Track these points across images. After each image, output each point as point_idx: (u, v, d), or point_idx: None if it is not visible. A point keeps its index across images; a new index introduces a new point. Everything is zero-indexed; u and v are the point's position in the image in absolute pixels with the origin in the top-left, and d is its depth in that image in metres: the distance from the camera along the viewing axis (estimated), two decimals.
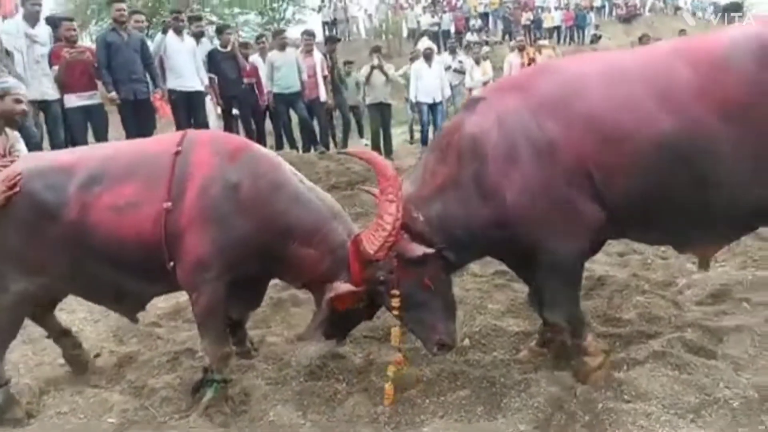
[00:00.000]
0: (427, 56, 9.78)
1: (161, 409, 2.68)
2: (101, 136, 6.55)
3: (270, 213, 2.66)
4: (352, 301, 2.56)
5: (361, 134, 10.53)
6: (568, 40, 22.93)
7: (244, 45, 8.90)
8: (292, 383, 2.86)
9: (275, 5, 24.49)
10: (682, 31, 11.72)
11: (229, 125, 7.88)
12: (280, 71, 8.30)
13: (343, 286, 2.52)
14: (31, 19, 6.06)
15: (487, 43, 18.03)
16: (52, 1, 18.34)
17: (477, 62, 10.71)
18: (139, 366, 3.14)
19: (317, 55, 8.91)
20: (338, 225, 2.76)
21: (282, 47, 8.59)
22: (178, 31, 7.15)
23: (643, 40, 11.00)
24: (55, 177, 2.74)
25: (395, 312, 2.51)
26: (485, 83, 10.53)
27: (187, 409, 2.67)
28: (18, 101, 3.36)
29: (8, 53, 5.62)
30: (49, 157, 3.05)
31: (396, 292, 2.46)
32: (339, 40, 11.44)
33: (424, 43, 10.55)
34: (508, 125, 2.41)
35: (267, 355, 3.19)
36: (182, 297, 3.97)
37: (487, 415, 2.56)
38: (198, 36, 7.45)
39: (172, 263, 2.63)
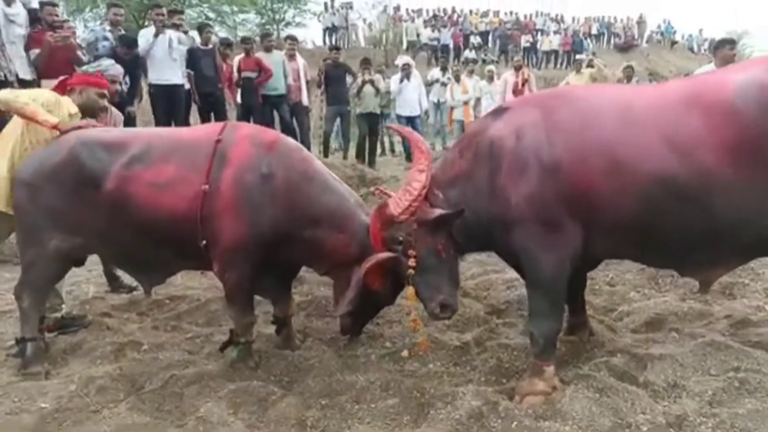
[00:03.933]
0: (406, 72, 9.98)
1: (96, 397, 2.75)
2: None
3: (302, 202, 2.95)
4: (382, 275, 2.87)
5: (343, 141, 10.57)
6: (564, 64, 23.18)
7: (228, 44, 8.92)
8: (230, 382, 2.94)
9: (275, 6, 24.53)
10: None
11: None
12: None
13: (376, 255, 2.78)
14: None
15: (484, 61, 18.25)
16: None
17: (457, 80, 10.90)
18: (83, 354, 3.21)
19: (300, 60, 9.06)
20: (362, 213, 3.05)
21: (268, 49, 8.71)
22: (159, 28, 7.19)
23: (627, 71, 11.24)
24: (102, 151, 3.01)
25: (410, 271, 2.78)
26: (466, 102, 10.72)
27: (122, 399, 2.74)
28: (112, 81, 3.87)
29: None
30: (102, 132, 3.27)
31: (413, 252, 2.76)
32: (340, 48, 11.58)
33: (403, 58, 10.74)
34: (523, 137, 2.66)
35: (211, 353, 3.27)
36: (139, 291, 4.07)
37: (412, 424, 2.64)
38: (176, 27, 7.43)
39: (204, 242, 2.90)
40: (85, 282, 4.41)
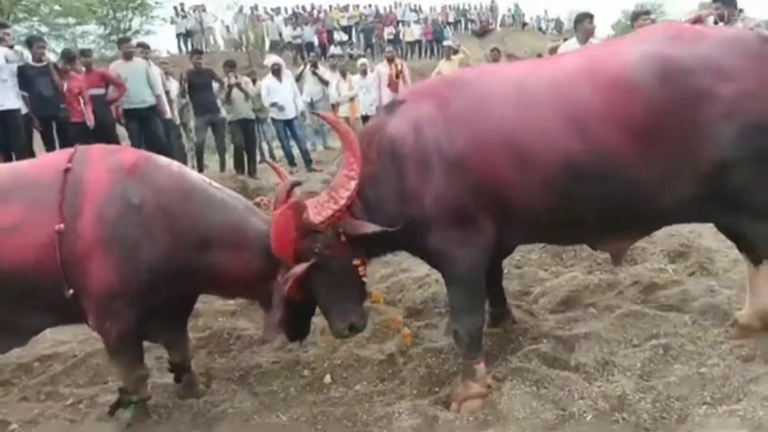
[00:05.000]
0: (276, 72, 9.47)
1: None
2: None
3: (182, 226, 2.54)
4: (303, 285, 2.50)
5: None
6: (428, 54, 23.75)
7: (70, 57, 7.68)
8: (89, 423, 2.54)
9: (119, 15, 22.62)
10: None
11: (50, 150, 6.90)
12: (127, 83, 7.60)
13: (297, 268, 2.42)
14: None
15: (351, 56, 18.16)
16: None
17: (344, 75, 10.64)
18: None
19: (156, 69, 8.28)
20: (257, 220, 2.70)
21: (128, 56, 7.84)
22: None
23: (494, 53, 11.66)
24: None
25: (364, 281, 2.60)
26: (351, 99, 10.50)
27: None
28: None
29: None
30: None
31: (358, 261, 2.53)
32: (202, 52, 10.76)
33: (271, 58, 10.20)
34: (423, 134, 2.50)
35: (100, 418, 2.74)
36: None
37: None
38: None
39: (71, 291, 2.44)
40: None
